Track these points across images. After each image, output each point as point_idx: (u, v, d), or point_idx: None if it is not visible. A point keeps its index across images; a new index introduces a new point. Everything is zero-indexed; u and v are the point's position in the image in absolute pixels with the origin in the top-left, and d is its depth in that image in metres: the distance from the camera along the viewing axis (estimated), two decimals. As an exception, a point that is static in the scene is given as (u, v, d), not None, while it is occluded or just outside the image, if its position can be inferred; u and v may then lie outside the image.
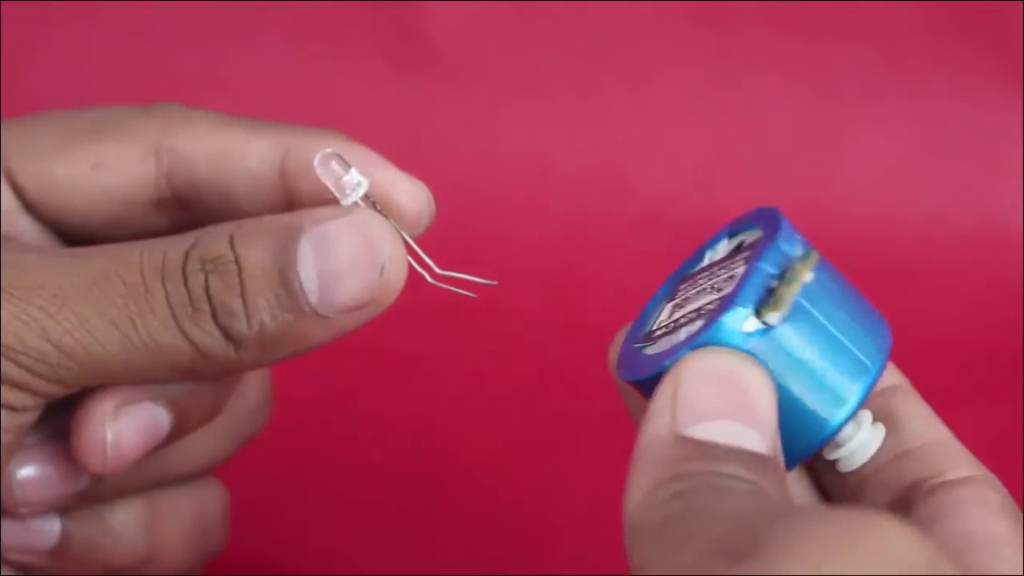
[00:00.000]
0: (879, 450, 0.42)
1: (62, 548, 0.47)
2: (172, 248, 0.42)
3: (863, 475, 0.42)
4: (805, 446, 0.39)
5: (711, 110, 0.80)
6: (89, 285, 0.42)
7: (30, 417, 0.43)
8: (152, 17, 0.80)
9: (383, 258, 0.42)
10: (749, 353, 0.38)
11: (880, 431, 0.41)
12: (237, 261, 0.42)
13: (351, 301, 0.42)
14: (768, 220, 0.41)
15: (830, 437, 0.39)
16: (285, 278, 0.42)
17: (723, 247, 0.41)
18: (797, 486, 0.44)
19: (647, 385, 0.39)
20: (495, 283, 0.44)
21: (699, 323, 0.39)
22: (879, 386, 0.42)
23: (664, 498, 0.35)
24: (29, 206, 0.47)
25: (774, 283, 0.39)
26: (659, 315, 0.42)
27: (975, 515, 0.39)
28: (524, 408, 0.68)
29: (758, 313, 0.39)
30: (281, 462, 0.67)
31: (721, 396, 0.37)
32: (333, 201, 0.43)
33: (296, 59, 0.80)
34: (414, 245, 0.44)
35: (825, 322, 0.39)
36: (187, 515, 0.50)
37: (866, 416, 0.41)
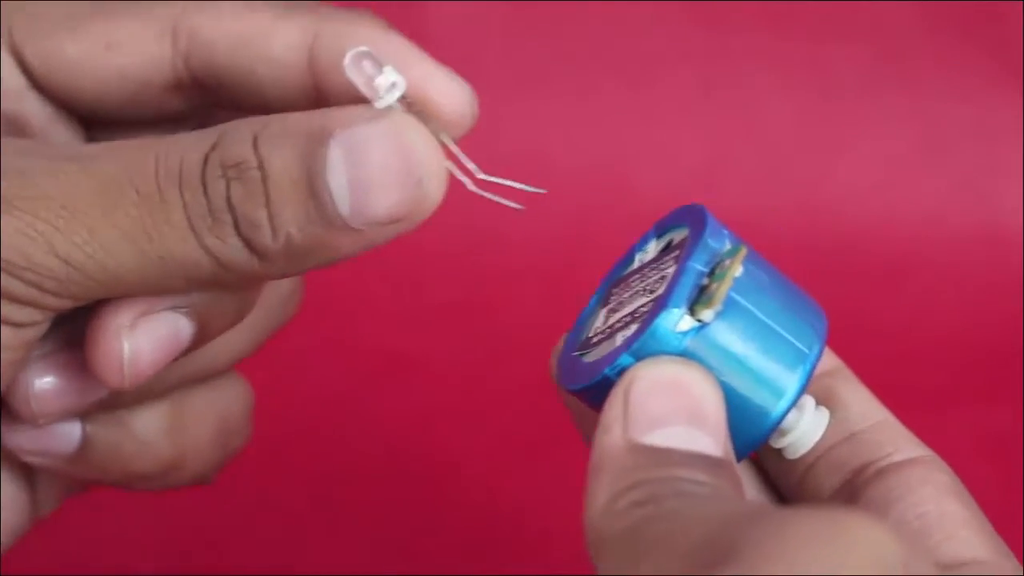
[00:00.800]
0: (824, 434, 0.41)
1: (83, 452, 0.44)
2: (190, 151, 0.39)
3: (810, 461, 0.42)
4: (750, 439, 0.39)
5: (710, 110, 0.80)
6: (100, 194, 0.39)
7: (38, 331, 0.40)
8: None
9: (421, 169, 0.39)
10: (686, 353, 0.38)
11: (824, 415, 0.41)
12: (261, 167, 0.38)
13: (385, 214, 0.39)
14: (694, 218, 0.41)
15: (774, 428, 0.39)
16: (314, 187, 0.38)
17: (652, 248, 0.41)
18: (744, 475, 0.44)
19: (589, 393, 0.39)
20: (543, 191, 0.40)
21: (634, 327, 0.39)
22: (818, 371, 0.42)
23: (626, 506, 0.35)
24: (37, 84, 0.44)
25: (705, 280, 0.39)
26: (595, 321, 0.42)
27: (928, 497, 0.39)
28: (523, 408, 0.68)
29: (692, 312, 0.39)
30: (277, 462, 0.67)
31: (671, 403, 0.37)
32: (366, 99, 0.39)
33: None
34: (454, 148, 0.40)
35: (759, 314, 0.39)
36: (212, 417, 0.46)
37: (809, 401, 0.41)
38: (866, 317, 0.75)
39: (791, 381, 0.39)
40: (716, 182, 0.79)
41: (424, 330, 0.73)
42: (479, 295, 0.68)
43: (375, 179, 0.38)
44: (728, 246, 0.40)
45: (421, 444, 0.69)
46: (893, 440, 0.41)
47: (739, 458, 0.39)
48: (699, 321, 0.39)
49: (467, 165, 0.40)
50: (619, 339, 0.40)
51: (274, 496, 0.67)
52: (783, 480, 0.43)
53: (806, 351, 0.40)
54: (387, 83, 0.39)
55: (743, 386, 0.39)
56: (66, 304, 0.39)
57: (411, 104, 0.39)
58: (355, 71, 0.39)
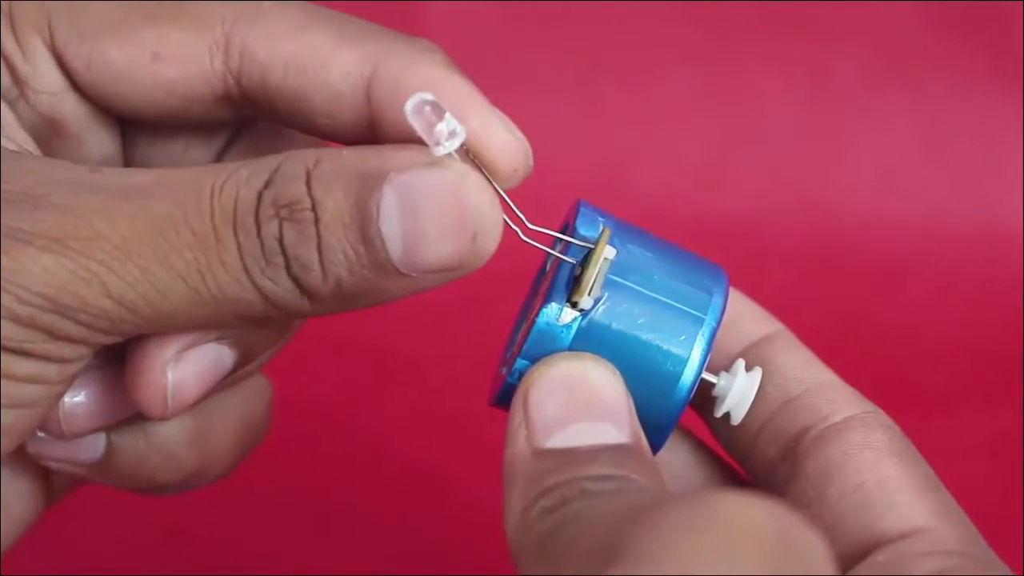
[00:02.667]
0: (761, 396, 0.41)
1: (107, 462, 0.44)
2: (244, 188, 0.38)
3: (753, 432, 0.42)
4: (667, 413, 0.39)
5: (711, 111, 0.80)
6: (155, 235, 0.38)
7: (83, 364, 0.39)
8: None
9: (477, 224, 0.38)
10: (577, 344, 0.39)
11: (756, 375, 0.41)
12: (314, 208, 0.37)
13: (437, 264, 0.38)
14: (573, 212, 0.41)
15: (686, 397, 0.39)
16: (366, 233, 0.37)
17: (559, 250, 0.41)
18: (706, 463, 0.44)
19: (504, 404, 0.39)
20: (590, 245, 0.39)
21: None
22: (755, 337, 0.42)
23: (537, 516, 0.35)
24: (77, 86, 0.42)
25: (578, 270, 0.39)
26: (516, 335, 0.42)
27: (865, 464, 0.39)
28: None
29: (572, 303, 0.39)
30: (275, 463, 0.67)
31: (568, 401, 0.37)
32: (422, 140, 0.38)
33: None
34: (507, 199, 0.39)
35: (644, 290, 0.39)
36: (235, 420, 0.45)
37: (739, 364, 0.41)
38: (866, 317, 0.75)
39: (692, 348, 0.39)
40: (716, 182, 0.79)
41: (422, 331, 0.73)
42: (478, 296, 0.68)
43: (429, 230, 0.38)
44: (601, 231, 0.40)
45: (417, 444, 0.69)
46: (830, 401, 0.41)
47: (660, 440, 0.40)
48: (580, 310, 0.39)
49: (518, 215, 0.40)
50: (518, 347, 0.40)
51: (271, 496, 0.67)
52: (734, 456, 0.43)
53: (702, 316, 0.40)
54: (447, 131, 0.38)
55: (646, 364, 0.39)
56: (115, 340, 0.39)
57: (467, 151, 0.39)
58: (416, 117, 0.38)
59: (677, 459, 0.45)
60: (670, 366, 0.39)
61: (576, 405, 0.37)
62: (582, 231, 0.40)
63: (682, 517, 0.31)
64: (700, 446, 0.45)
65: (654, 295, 0.40)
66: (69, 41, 0.42)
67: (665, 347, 0.39)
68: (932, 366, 0.72)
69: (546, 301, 0.39)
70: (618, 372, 0.38)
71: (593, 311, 0.39)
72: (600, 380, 0.38)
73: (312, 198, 0.38)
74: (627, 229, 0.41)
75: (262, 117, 0.43)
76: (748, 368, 0.41)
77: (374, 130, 0.41)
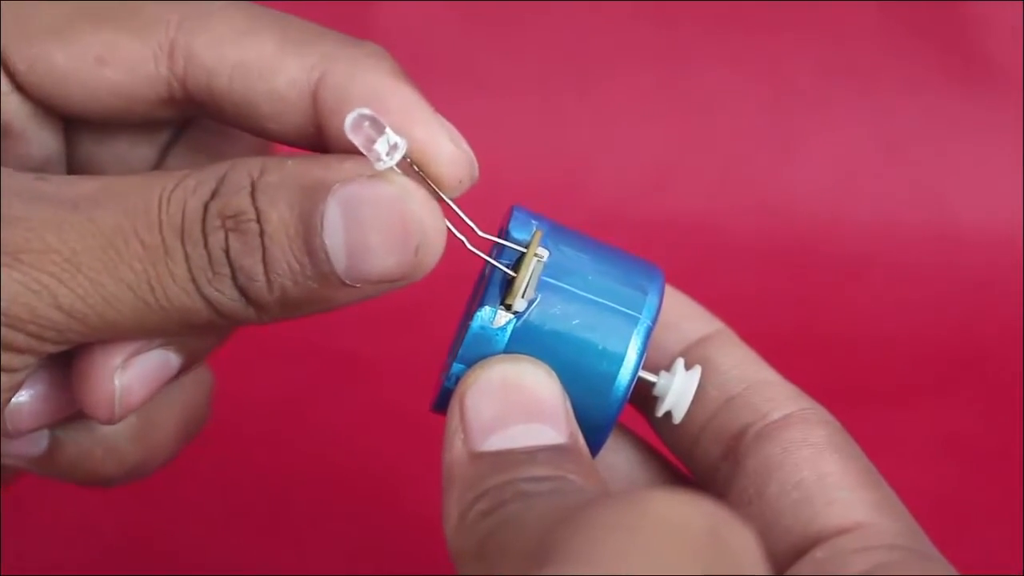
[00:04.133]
0: (701, 395, 0.41)
1: (51, 456, 0.44)
2: (192, 198, 0.38)
3: (695, 431, 0.42)
4: (604, 416, 0.39)
5: (666, 111, 0.80)
6: (104, 247, 0.38)
7: (30, 372, 0.40)
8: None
9: (420, 236, 0.38)
10: (512, 347, 0.39)
11: (696, 374, 0.41)
12: (259, 220, 0.38)
13: (379, 276, 0.38)
14: (507, 216, 0.42)
15: (623, 399, 0.39)
16: (310, 245, 0.38)
17: (493, 256, 0.42)
18: (646, 463, 0.44)
19: (443, 409, 0.39)
20: (543, 255, 0.40)
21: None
22: (694, 336, 0.42)
23: (474, 519, 0.35)
24: (21, 87, 0.43)
25: (512, 274, 0.39)
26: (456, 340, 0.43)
27: (804, 461, 0.39)
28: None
29: (507, 307, 0.39)
30: (233, 464, 0.67)
31: (504, 403, 0.37)
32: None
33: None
34: (455, 208, 0.40)
35: (578, 290, 0.40)
36: (177, 412, 0.46)
37: (678, 363, 0.41)
38: (821, 316, 0.75)
39: (628, 347, 0.39)
40: (672, 182, 0.79)
41: (378, 332, 0.73)
42: (433, 297, 0.68)
43: (373, 243, 0.38)
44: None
45: (375, 445, 0.69)
46: (770, 399, 0.41)
47: (600, 440, 0.40)
48: (514, 313, 0.39)
49: (467, 223, 0.40)
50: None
51: (230, 496, 0.66)
52: (682, 459, 0.43)
53: (637, 315, 0.40)
54: (388, 145, 0.38)
55: (582, 364, 0.39)
56: (62, 348, 0.39)
57: (411, 164, 0.39)
58: (356, 132, 0.38)
59: (621, 460, 0.44)
60: (606, 366, 0.39)
61: (512, 407, 0.38)
62: (515, 235, 0.40)
63: (612, 516, 0.31)
64: (644, 446, 0.45)
65: (588, 295, 0.40)
66: (13, 45, 0.42)
67: (600, 346, 0.39)
68: (887, 364, 0.73)
69: (480, 305, 0.39)
70: (554, 373, 0.38)
71: (527, 313, 0.39)
72: (535, 381, 0.38)
73: (257, 209, 0.38)
74: (561, 232, 0.41)
75: (208, 116, 0.43)
76: (688, 367, 0.41)
77: (321, 135, 0.41)
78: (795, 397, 0.41)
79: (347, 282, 0.38)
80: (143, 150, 0.45)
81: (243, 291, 0.39)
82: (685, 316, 0.43)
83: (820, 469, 0.39)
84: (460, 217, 0.40)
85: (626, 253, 0.41)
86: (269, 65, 0.41)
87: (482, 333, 0.39)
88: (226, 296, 0.39)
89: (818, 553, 0.38)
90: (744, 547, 0.32)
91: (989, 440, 0.68)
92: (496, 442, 0.37)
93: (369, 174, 0.38)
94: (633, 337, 0.39)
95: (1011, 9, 0.77)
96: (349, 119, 0.38)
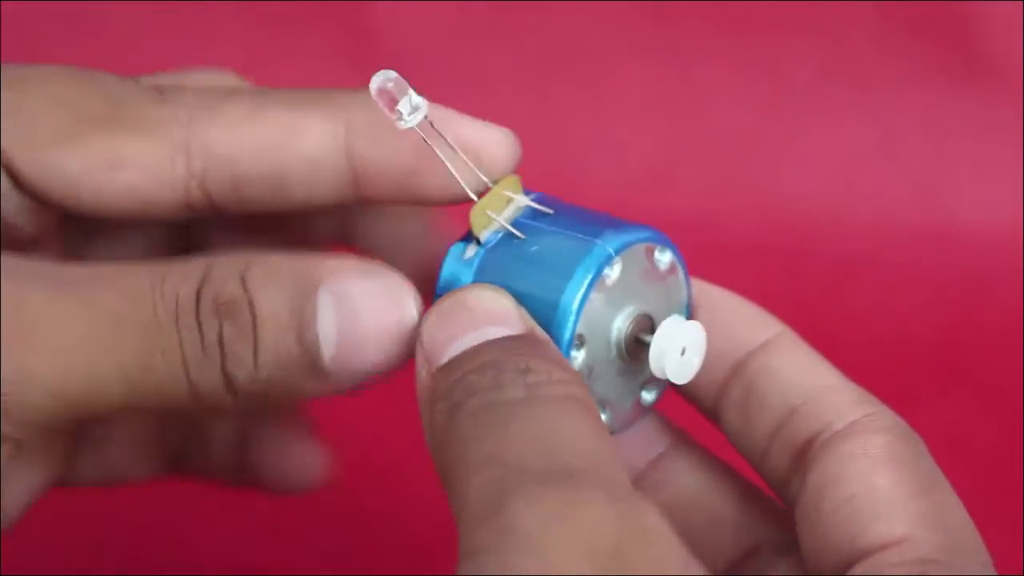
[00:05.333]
0: (763, 404, 0.41)
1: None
2: (184, 285, 0.39)
3: (763, 445, 0.42)
4: (557, 337, 0.39)
5: (661, 107, 0.80)
6: (100, 333, 0.38)
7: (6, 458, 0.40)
8: (100, 20, 0.80)
9: (408, 332, 0.39)
10: (481, 276, 0.40)
11: (684, 324, 0.41)
12: (251, 307, 0.39)
13: (370, 369, 0.39)
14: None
15: (570, 316, 0.39)
16: (300, 334, 0.39)
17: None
18: (715, 484, 0.44)
19: None
20: (519, 201, 0.41)
21: None
22: (754, 342, 0.42)
23: (437, 423, 0.36)
24: (26, 190, 0.42)
25: (475, 198, 0.41)
26: None
27: (858, 474, 0.39)
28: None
29: (476, 240, 0.40)
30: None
31: (456, 322, 0.38)
32: (400, 176, 0.40)
33: (246, 60, 0.80)
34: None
35: (548, 227, 0.40)
36: None
37: (671, 319, 0.41)
38: (820, 314, 0.75)
39: (578, 266, 0.39)
40: (668, 180, 0.79)
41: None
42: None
43: (367, 337, 0.39)
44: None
45: (378, 441, 0.69)
46: (832, 408, 0.41)
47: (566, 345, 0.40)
48: (479, 244, 0.40)
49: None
50: None
51: (231, 494, 0.66)
52: (759, 474, 0.43)
53: (595, 241, 0.40)
54: (411, 106, 0.39)
55: (539, 286, 0.39)
56: (33, 435, 0.39)
57: (431, 124, 0.40)
58: (380, 94, 0.39)
59: (691, 482, 0.44)
60: (556, 282, 0.39)
61: (461, 323, 0.38)
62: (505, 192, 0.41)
63: (542, 509, 0.32)
64: (716, 464, 0.44)
65: (557, 230, 0.40)
66: (19, 151, 0.41)
67: (554, 268, 0.39)
68: (886, 363, 0.72)
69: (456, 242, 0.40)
70: (505, 291, 0.39)
71: (492, 241, 0.40)
72: (483, 296, 0.38)
73: (249, 297, 0.38)
74: (557, 200, 0.41)
75: (224, 212, 0.42)
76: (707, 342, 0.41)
77: (357, 187, 0.41)
78: (858, 403, 0.41)
79: (331, 373, 0.39)
80: (138, 245, 0.46)
81: (228, 378, 0.39)
82: (742, 322, 0.43)
83: (872, 483, 0.39)
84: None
85: (606, 214, 0.42)
86: (290, 132, 0.40)
87: (452, 265, 0.40)
88: (210, 382, 0.39)
89: (857, 570, 0.37)
90: (653, 564, 0.32)
91: (989, 440, 0.68)
92: (449, 354, 0.37)
93: (359, 269, 0.39)
94: (587, 257, 0.39)
95: (1011, 8, 0.77)
96: (375, 81, 0.39)
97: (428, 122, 0.40)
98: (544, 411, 0.35)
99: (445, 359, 0.37)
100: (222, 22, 0.80)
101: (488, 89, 0.79)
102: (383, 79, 0.39)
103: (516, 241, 0.40)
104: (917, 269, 0.77)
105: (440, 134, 0.40)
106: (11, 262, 0.40)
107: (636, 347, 0.41)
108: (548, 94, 0.80)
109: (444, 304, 0.38)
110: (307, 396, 0.40)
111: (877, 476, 0.39)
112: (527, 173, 0.41)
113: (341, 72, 0.79)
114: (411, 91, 0.39)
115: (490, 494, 0.33)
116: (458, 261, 0.40)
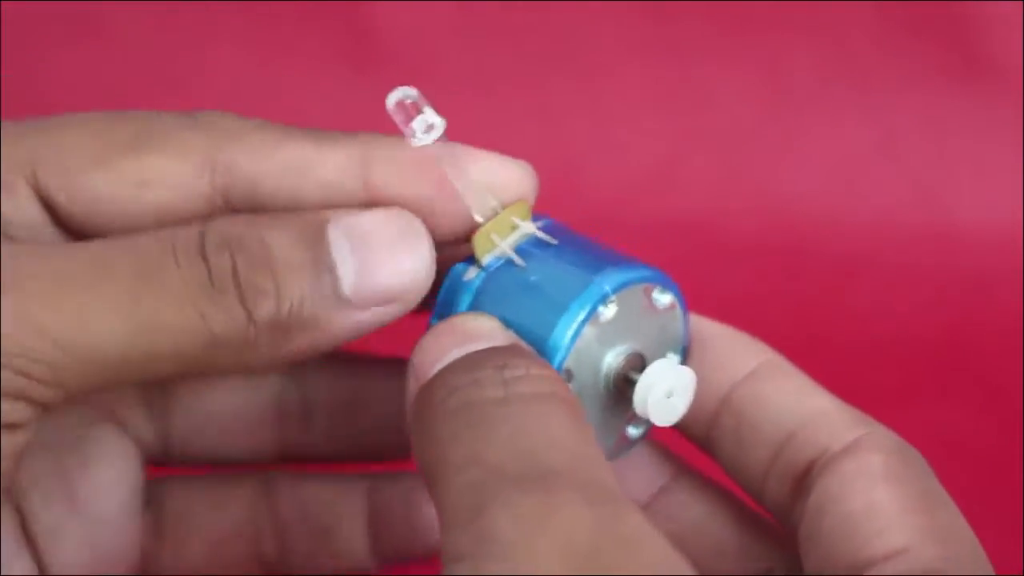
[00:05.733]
0: (757, 432, 0.41)
1: None
2: (182, 230, 0.39)
3: (761, 474, 0.42)
4: (548, 356, 0.40)
5: (661, 107, 0.80)
6: (91, 266, 0.38)
7: (29, 434, 0.38)
8: (101, 20, 0.80)
9: (422, 247, 0.40)
10: (475, 299, 0.40)
11: (674, 368, 0.41)
12: (263, 243, 0.39)
13: (389, 295, 0.40)
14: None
15: (562, 347, 0.39)
16: (319, 262, 0.39)
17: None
18: (716, 515, 0.44)
19: None
20: (524, 227, 0.41)
21: None
22: (744, 370, 0.42)
23: (418, 424, 0.37)
24: (60, 220, 0.43)
25: (480, 220, 0.41)
26: None
27: (857, 492, 0.39)
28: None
29: (478, 263, 0.41)
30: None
31: (444, 341, 0.39)
32: (414, 211, 0.41)
33: (246, 60, 0.80)
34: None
35: (550, 257, 0.40)
36: None
37: (664, 360, 0.41)
38: (820, 314, 0.75)
39: (574, 302, 0.39)
40: (669, 181, 0.79)
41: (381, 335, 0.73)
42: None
43: (382, 261, 0.39)
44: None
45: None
46: (828, 430, 0.41)
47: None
48: (480, 268, 0.40)
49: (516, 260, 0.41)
50: None
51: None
52: (759, 503, 0.43)
53: (593, 277, 0.40)
54: (426, 124, 0.40)
55: (533, 315, 0.40)
56: (57, 396, 0.38)
57: (445, 139, 0.40)
58: (397, 110, 0.40)
59: (692, 515, 0.45)
60: (550, 315, 0.39)
61: (448, 342, 0.39)
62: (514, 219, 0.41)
63: (519, 515, 0.33)
64: (720, 495, 0.45)
65: (558, 262, 0.40)
66: (54, 178, 0.42)
67: (551, 299, 0.40)
68: (886, 363, 0.72)
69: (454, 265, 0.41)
70: (495, 319, 0.39)
71: (493, 265, 0.40)
72: (472, 321, 0.39)
73: (259, 235, 0.39)
74: (563, 227, 0.42)
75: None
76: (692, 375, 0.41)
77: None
78: (853, 424, 0.41)
79: (354, 299, 0.39)
80: None
81: (249, 311, 0.38)
82: (730, 352, 0.43)
83: (870, 499, 0.39)
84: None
85: (609, 247, 0.42)
86: (311, 159, 0.41)
87: (452, 285, 0.41)
88: (229, 319, 0.38)
89: None
90: (632, 565, 0.32)
91: (989, 440, 0.68)
92: (435, 369, 0.38)
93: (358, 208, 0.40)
94: (583, 293, 0.39)
95: (1011, 8, 0.77)
96: (393, 97, 0.40)
97: (443, 139, 0.40)
98: (523, 409, 0.36)
99: (431, 373, 0.38)
100: (222, 22, 0.80)
101: (488, 89, 0.79)
102: (402, 94, 0.40)
103: (516, 268, 0.40)
104: (917, 269, 0.77)
105: (452, 155, 0.40)
106: (10, 245, 0.40)
107: (624, 384, 0.41)
108: (548, 94, 0.80)
109: (430, 332, 0.39)
110: (333, 335, 0.40)
111: (876, 492, 0.39)
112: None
113: (341, 72, 0.79)
114: (429, 109, 0.40)
115: (470, 498, 0.34)
116: (458, 282, 0.41)
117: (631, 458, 0.44)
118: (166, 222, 0.42)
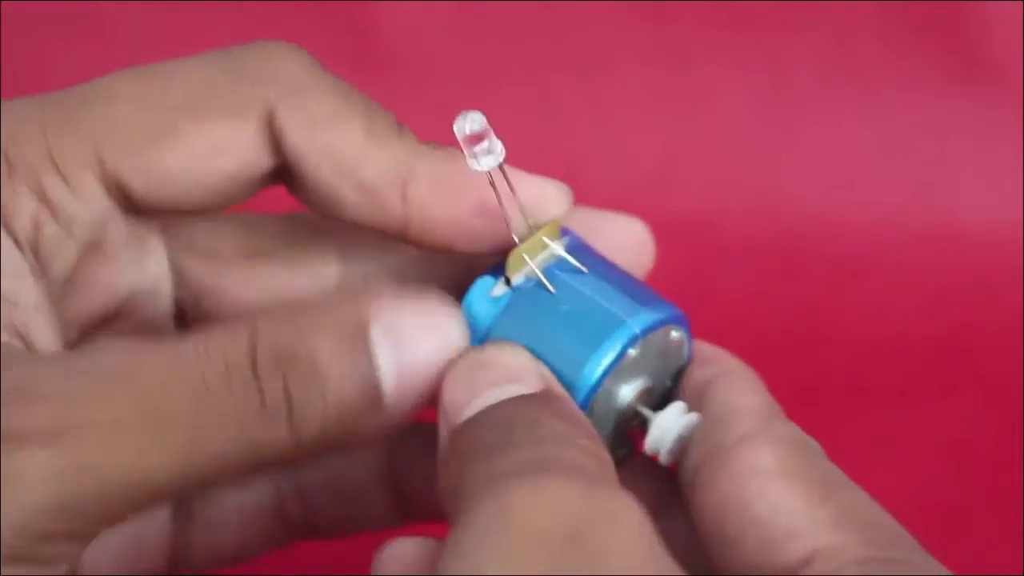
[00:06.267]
0: (690, 435, 0.41)
1: None
2: (232, 345, 0.37)
3: (690, 477, 0.41)
4: (575, 394, 0.39)
5: (663, 107, 0.80)
6: (147, 408, 0.36)
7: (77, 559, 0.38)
8: (102, 18, 0.80)
9: (460, 339, 0.39)
10: (505, 316, 0.40)
11: (683, 414, 0.41)
12: (313, 355, 0.37)
13: (423, 396, 0.39)
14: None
15: (588, 388, 0.39)
16: (365, 375, 0.38)
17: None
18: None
19: None
20: (554, 248, 0.41)
21: None
22: (697, 379, 0.42)
23: (449, 480, 0.36)
24: (132, 206, 0.41)
25: (516, 240, 0.41)
26: None
27: (755, 493, 0.39)
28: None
29: (507, 280, 0.40)
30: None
31: (470, 385, 0.38)
32: (447, 232, 0.41)
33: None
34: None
35: (579, 286, 0.40)
36: None
37: (676, 404, 0.41)
38: (820, 314, 0.75)
39: (606, 342, 0.39)
40: (669, 180, 0.79)
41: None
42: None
43: (420, 366, 0.38)
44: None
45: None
46: (731, 424, 0.40)
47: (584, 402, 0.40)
48: (508, 286, 0.40)
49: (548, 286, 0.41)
50: None
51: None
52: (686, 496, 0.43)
53: (625, 319, 0.39)
54: (487, 149, 0.39)
55: (561, 349, 0.39)
56: (105, 528, 0.37)
57: (502, 168, 0.40)
58: (461, 131, 0.39)
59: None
60: (579, 354, 0.39)
61: (480, 381, 0.38)
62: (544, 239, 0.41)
63: (481, 518, 0.32)
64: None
65: (588, 292, 0.40)
66: (123, 160, 0.40)
67: (581, 336, 0.39)
68: (887, 364, 0.72)
69: (483, 274, 0.40)
70: (526, 351, 0.39)
71: (521, 285, 0.40)
72: (502, 355, 0.39)
73: (308, 345, 0.37)
74: (591, 251, 0.42)
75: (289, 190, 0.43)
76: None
77: (405, 230, 0.41)
78: (755, 418, 0.40)
79: (391, 407, 0.38)
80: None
81: (295, 431, 0.37)
82: (697, 362, 0.43)
83: (771, 500, 0.38)
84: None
85: (638, 280, 0.41)
86: (357, 155, 0.41)
87: (478, 300, 0.40)
88: (275, 438, 0.37)
89: None
90: (616, 545, 0.32)
91: (989, 440, 0.68)
92: (467, 415, 0.37)
93: (397, 297, 0.39)
94: (615, 334, 0.39)
95: (1012, 8, 0.77)
96: (462, 119, 0.39)
97: (502, 170, 0.40)
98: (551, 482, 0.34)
99: (462, 420, 0.37)
100: (222, 22, 0.80)
101: (488, 89, 0.79)
102: (469, 120, 0.39)
103: (546, 295, 0.40)
104: (917, 269, 0.77)
105: (508, 183, 0.40)
106: (46, 359, 0.38)
107: (632, 415, 0.41)
108: (548, 94, 0.80)
109: (462, 366, 0.38)
110: (365, 435, 0.39)
111: (773, 492, 0.38)
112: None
113: (341, 72, 0.78)
114: (491, 136, 0.39)
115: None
116: (484, 297, 0.40)
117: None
118: (235, 192, 0.41)
